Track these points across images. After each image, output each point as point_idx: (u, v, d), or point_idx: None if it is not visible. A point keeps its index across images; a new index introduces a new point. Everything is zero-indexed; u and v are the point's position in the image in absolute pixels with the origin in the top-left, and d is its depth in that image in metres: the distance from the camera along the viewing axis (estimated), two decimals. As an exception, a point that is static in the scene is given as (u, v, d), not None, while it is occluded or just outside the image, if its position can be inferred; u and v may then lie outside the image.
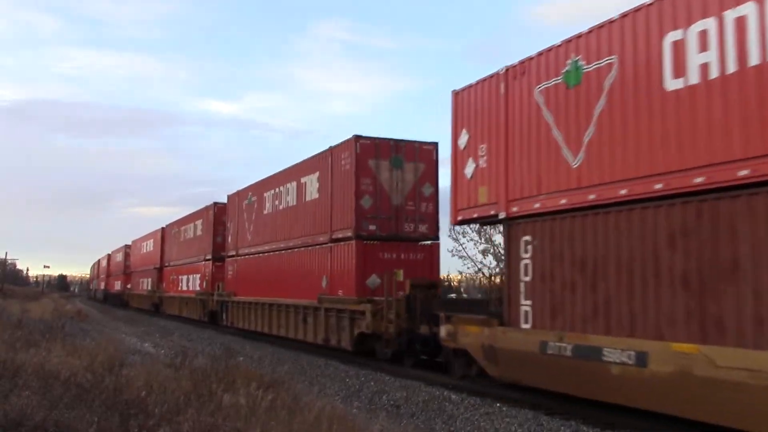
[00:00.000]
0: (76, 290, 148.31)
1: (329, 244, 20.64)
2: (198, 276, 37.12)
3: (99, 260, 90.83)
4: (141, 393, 9.16)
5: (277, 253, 25.16)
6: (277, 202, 25.58)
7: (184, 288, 40.21)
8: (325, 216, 21.06)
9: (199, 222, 38.32)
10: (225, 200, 35.73)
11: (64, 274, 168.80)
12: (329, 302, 20.19)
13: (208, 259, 35.15)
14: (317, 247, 21.49)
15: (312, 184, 22.29)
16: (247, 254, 28.83)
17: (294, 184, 23.90)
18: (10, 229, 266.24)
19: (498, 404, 12.50)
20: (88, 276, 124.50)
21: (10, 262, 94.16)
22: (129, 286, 61.74)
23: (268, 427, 7.77)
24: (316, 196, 21.95)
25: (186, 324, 38.13)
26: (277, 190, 25.68)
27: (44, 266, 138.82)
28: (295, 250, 23.31)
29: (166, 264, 46.25)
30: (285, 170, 25.18)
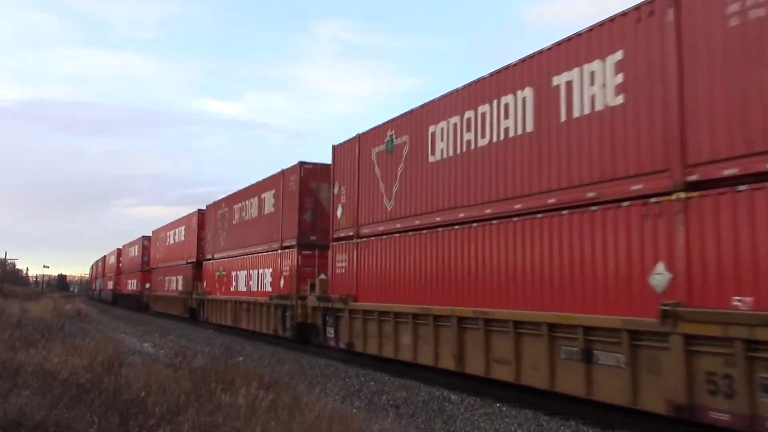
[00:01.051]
0: (76, 290, 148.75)
1: (676, 196, 9.47)
2: (269, 271, 25.77)
3: (105, 257, 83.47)
4: (141, 393, 9.14)
5: (472, 226, 13.75)
6: (469, 135, 14.13)
7: (243, 288, 28.86)
8: (651, 137, 9.99)
9: (268, 194, 26.52)
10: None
11: (63, 274, 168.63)
12: (714, 322, 8.74)
13: (289, 247, 23.79)
14: (612, 206, 10.47)
15: (604, 74, 10.80)
16: (383, 233, 17.51)
17: (527, 93, 12.55)
18: (10, 229, 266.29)
19: (498, 404, 12.18)
20: (87, 276, 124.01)
21: (9, 262, 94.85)
22: (148, 285, 51.78)
23: (268, 427, 7.69)
24: (614, 101, 10.59)
25: (187, 324, 35.13)
26: (466, 116, 14.26)
27: (44, 266, 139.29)
28: (538, 217, 12.00)
29: (208, 257, 35.15)
30: (494, 75, 13.58)
